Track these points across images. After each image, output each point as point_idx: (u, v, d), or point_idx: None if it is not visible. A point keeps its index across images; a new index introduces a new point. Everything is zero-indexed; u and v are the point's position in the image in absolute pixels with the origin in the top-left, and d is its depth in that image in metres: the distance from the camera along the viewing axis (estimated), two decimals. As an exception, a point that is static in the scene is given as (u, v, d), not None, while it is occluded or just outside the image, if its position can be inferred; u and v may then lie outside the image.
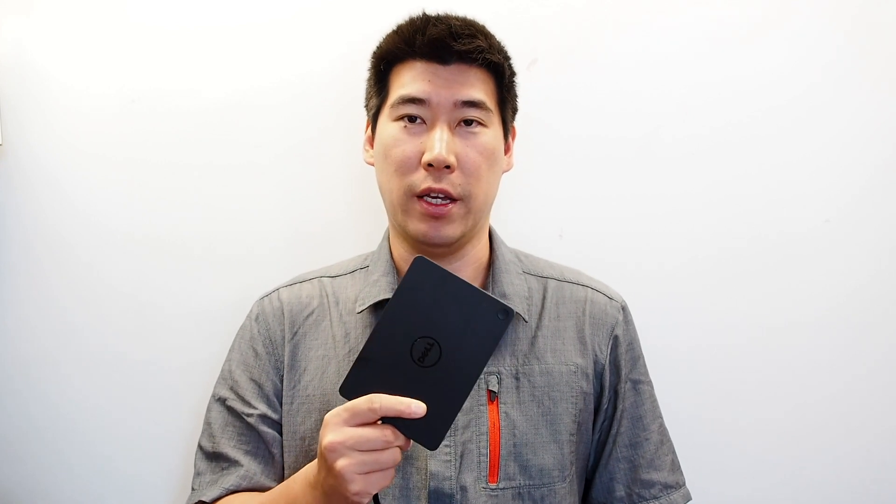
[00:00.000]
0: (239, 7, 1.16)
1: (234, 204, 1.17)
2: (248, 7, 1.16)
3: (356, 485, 0.68)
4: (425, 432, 0.70)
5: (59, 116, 1.16)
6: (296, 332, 0.94)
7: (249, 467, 0.90)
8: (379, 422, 0.70)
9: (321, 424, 0.87)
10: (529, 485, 0.87)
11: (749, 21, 1.15)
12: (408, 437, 0.70)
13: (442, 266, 0.72)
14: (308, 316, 0.94)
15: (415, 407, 0.69)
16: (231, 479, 0.90)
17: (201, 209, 1.17)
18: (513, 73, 0.93)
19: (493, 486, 0.86)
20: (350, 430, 0.69)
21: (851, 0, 1.14)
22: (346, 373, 0.72)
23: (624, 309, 0.98)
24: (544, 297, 0.95)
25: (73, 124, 1.16)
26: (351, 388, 0.71)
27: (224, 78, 1.16)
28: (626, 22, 1.15)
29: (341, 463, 0.68)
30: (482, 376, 0.88)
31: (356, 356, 0.71)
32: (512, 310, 0.70)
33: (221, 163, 1.17)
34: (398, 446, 0.70)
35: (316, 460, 0.76)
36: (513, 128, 0.97)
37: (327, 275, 0.99)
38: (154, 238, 1.17)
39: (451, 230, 0.87)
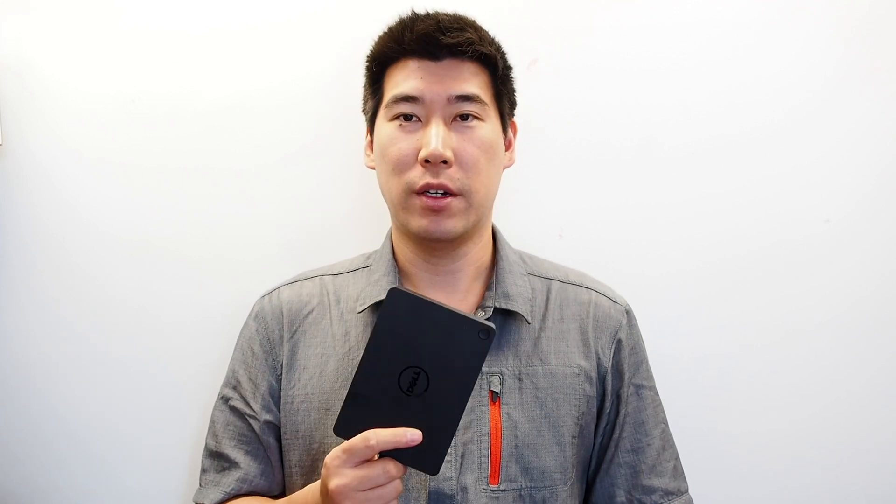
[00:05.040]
0: (239, 8, 1.15)
1: (234, 206, 1.17)
2: (249, 8, 1.15)
3: None
4: (424, 459, 0.71)
5: (59, 117, 1.16)
6: (295, 331, 0.93)
7: (248, 469, 0.91)
8: (377, 456, 0.71)
9: (320, 423, 0.88)
10: (531, 487, 0.86)
11: (751, 24, 1.14)
12: (407, 465, 0.71)
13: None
14: (308, 314, 0.94)
15: (410, 436, 0.69)
16: (230, 481, 0.91)
17: (201, 211, 1.17)
18: (507, 67, 0.93)
19: (494, 487, 0.85)
20: (353, 471, 0.69)
21: (853, 5, 1.14)
22: (339, 409, 0.72)
23: (628, 313, 0.97)
24: (548, 299, 0.95)
25: (73, 125, 1.16)
26: (345, 427, 0.71)
27: (224, 79, 1.16)
28: (628, 22, 1.15)
29: None
30: (484, 377, 0.88)
31: (346, 393, 0.71)
32: (493, 328, 0.70)
33: (221, 165, 1.16)
34: (399, 477, 0.71)
35: (314, 486, 0.77)
36: (513, 123, 0.97)
37: (329, 273, 0.99)
38: (153, 240, 1.17)
39: (452, 224, 0.86)
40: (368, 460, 0.70)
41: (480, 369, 0.70)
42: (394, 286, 0.69)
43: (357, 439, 0.69)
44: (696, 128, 1.16)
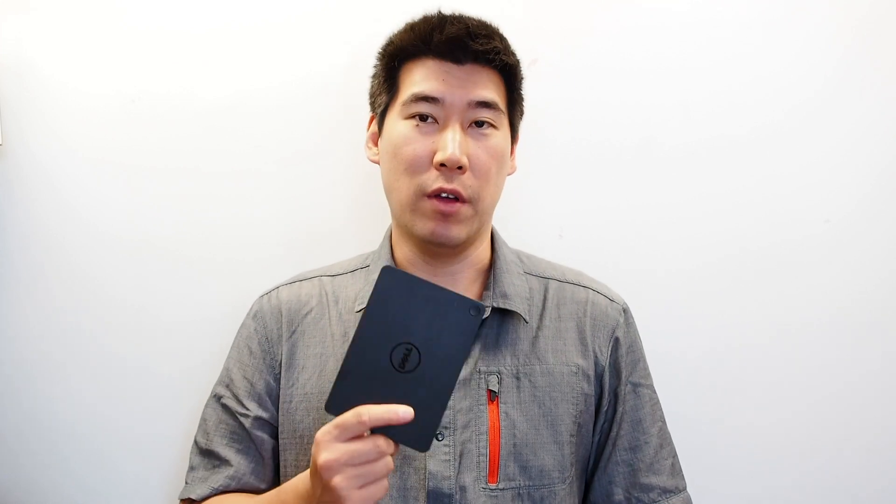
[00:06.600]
0: (239, 8, 1.16)
1: (234, 207, 1.17)
2: (249, 8, 1.16)
3: (352, 500, 0.69)
4: (414, 436, 0.71)
5: (59, 117, 1.16)
6: (294, 331, 0.93)
7: (239, 467, 0.91)
8: (368, 432, 0.70)
9: (319, 423, 0.88)
10: (529, 485, 0.86)
11: (751, 24, 1.15)
12: (398, 442, 0.71)
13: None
14: (307, 314, 0.94)
15: (402, 412, 0.69)
16: (220, 478, 0.91)
17: (201, 212, 1.17)
18: (522, 77, 0.93)
19: (492, 486, 0.85)
20: (342, 445, 0.69)
21: (853, 5, 1.14)
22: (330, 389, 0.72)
23: (625, 311, 0.97)
24: (545, 298, 0.95)
25: (73, 125, 1.16)
26: (336, 404, 0.71)
27: (224, 79, 1.16)
28: (628, 23, 1.15)
29: (337, 480, 0.68)
30: (482, 376, 0.88)
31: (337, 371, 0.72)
32: (482, 305, 0.71)
33: (221, 165, 1.17)
34: (390, 454, 0.71)
35: (305, 472, 0.76)
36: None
37: (328, 273, 0.98)
38: (154, 240, 1.17)
39: (458, 231, 0.87)
40: (359, 436, 0.70)
41: (471, 346, 0.72)
42: (386, 264, 0.70)
43: (349, 415, 0.69)
44: (696, 128, 1.16)
